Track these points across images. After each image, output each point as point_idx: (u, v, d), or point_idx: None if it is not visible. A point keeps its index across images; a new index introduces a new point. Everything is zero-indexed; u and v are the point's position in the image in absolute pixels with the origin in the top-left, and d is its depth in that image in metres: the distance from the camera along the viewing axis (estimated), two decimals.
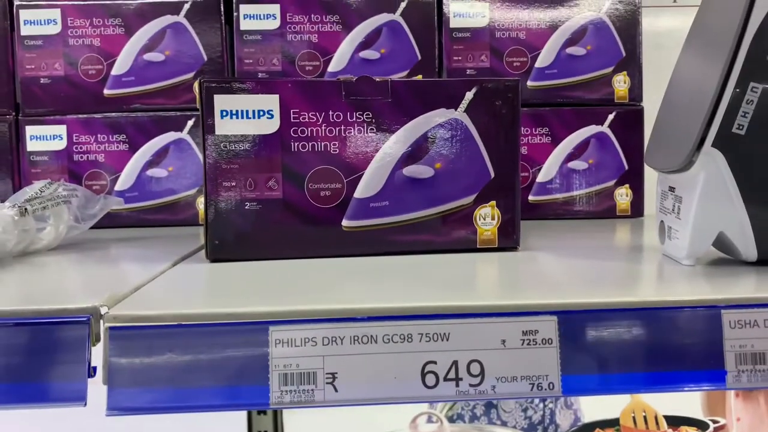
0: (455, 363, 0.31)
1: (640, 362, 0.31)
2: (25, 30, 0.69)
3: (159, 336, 0.30)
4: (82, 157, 0.70)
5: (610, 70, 0.73)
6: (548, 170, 0.72)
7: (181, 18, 0.70)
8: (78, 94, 0.70)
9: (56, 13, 0.69)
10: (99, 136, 0.70)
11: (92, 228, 0.57)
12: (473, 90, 0.47)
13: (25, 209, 0.48)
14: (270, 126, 0.45)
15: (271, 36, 0.71)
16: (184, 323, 0.30)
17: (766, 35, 0.37)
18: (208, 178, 0.44)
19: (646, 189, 0.74)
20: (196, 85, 0.42)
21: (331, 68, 0.71)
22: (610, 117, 0.72)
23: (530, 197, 0.72)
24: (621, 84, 0.73)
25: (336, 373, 0.30)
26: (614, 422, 0.87)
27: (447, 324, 0.31)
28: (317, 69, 0.71)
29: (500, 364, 0.31)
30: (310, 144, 0.45)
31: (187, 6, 0.70)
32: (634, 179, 0.72)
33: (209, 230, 0.44)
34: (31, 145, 0.69)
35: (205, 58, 0.70)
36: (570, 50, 0.72)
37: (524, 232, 0.49)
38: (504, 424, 0.84)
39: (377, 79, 0.46)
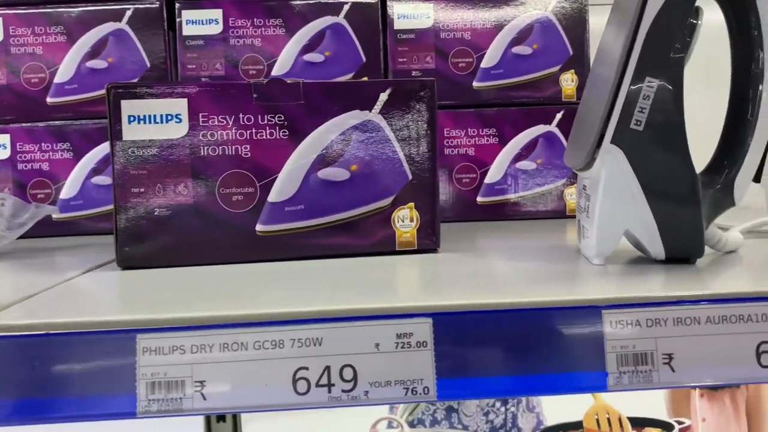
0: (327, 368, 0.30)
1: (519, 365, 0.30)
2: None
3: (22, 346, 0.29)
4: (26, 166, 0.70)
5: (557, 68, 0.72)
6: (496, 171, 0.72)
7: (123, 25, 0.70)
8: (21, 103, 0.70)
9: None
10: (43, 144, 0.70)
11: (32, 237, 0.57)
12: (387, 91, 0.46)
13: None
14: (178, 130, 0.44)
15: (213, 41, 0.70)
16: (52, 332, 0.30)
17: (661, 29, 0.37)
18: (116, 185, 0.44)
19: None
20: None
21: (275, 72, 0.71)
22: (558, 116, 0.72)
23: (478, 198, 0.71)
24: (569, 82, 0.73)
25: (204, 380, 0.30)
26: (578, 425, 0.86)
27: (320, 329, 0.30)
28: (261, 73, 0.70)
29: (374, 368, 0.30)
30: (220, 148, 0.45)
31: (129, 13, 0.70)
32: None
33: (119, 237, 0.44)
34: None
35: (148, 64, 0.70)
36: (516, 49, 0.72)
37: (460, 234, 0.48)
38: (465, 428, 0.83)
39: (289, 81, 0.45)
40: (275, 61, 0.71)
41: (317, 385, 0.30)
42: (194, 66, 0.70)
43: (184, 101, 0.44)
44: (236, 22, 0.70)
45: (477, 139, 0.72)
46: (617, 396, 0.84)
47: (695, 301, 0.31)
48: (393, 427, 0.84)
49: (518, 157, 0.72)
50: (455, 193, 0.71)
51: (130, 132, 0.44)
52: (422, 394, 0.30)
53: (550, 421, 0.89)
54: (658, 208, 0.38)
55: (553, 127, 0.72)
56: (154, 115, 0.44)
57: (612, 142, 0.37)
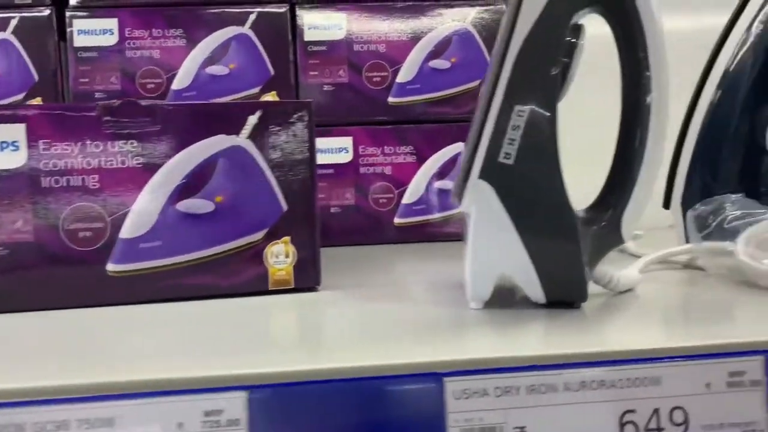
0: None
1: None
2: None
3: None
4: None
5: (477, 83, 0.69)
6: (414, 190, 0.68)
7: (8, 35, 0.65)
8: None
9: None
10: None
11: None
12: (257, 114, 0.42)
13: None
14: (16, 159, 0.39)
15: (108, 53, 0.65)
16: None
17: (533, 50, 0.33)
18: None
19: None
20: None
21: (174, 86, 0.66)
22: None
23: (396, 219, 0.67)
24: None
25: None
26: None
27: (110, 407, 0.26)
28: (160, 87, 0.66)
29: None
30: (64, 179, 0.40)
31: (14, 22, 0.64)
32: None
33: None
34: None
35: (36, 77, 0.65)
36: (433, 63, 0.68)
37: (366, 261, 0.44)
38: None
39: (143, 103, 0.41)
40: (175, 74, 0.66)
41: None
42: (87, 80, 0.65)
43: (22, 126, 0.39)
44: (133, 32, 0.65)
45: (394, 157, 0.68)
46: None
47: (552, 366, 0.27)
48: None
49: (438, 176, 0.68)
50: (371, 213, 0.67)
51: None
52: None
53: None
54: (534, 249, 0.34)
55: None
56: None
57: (480, 177, 0.34)
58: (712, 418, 0.28)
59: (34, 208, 0.40)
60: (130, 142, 0.40)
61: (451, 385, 0.27)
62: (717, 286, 0.39)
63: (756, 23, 0.43)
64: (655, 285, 0.41)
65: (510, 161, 0.33)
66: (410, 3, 0.68)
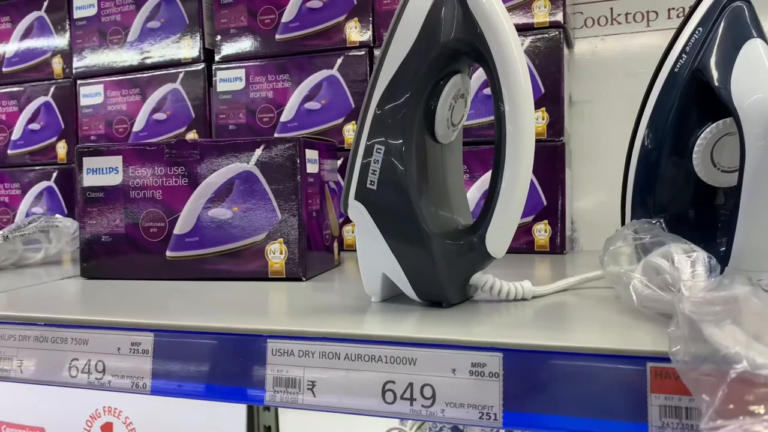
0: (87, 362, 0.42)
1: (208, 379, 0.39)
2: None
3: None
4: None
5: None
6: None
7: (177, 85, 0.89)
8: None
9: None
10: None
11: None
12: (261, 147, 0.56)
13: (6, 236, 0.70)
14: (116, 179, 0.60)
15: (238, 94, 0.86)
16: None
17: (389, 98, 0.42)
18: (78, 217, 0.61)
19: None
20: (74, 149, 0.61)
21: (282, 119, 0.84)
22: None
23: None
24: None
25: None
26: None
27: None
28: (272, 120, 0.84)
29: None
30: (142, 192, 0.59)
31: (181, 75, 0.89)
32: None
33: (80, 255, 0.61)
34: None
35: (193, 115, 0.88)
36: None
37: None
38: None
39: (188, 140, 0.58)
40: (283, 110, 0.84)
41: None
42: (224, 116, 0.87)
43: (119, 158, 0.60)
44: (255, 78, 0.85)
45: None
46: None
47: (339, 339, 0.37)
48: None
49: None
50: None
51: (88, 180, 0.60)
52: None
53: None
54: (402, 259, 0.43)
55: None
56: (101, 168, 0.60)
57: (355, 198, 0.43)
58: (454, 398, 0.34)
59: (125, 211, 0.60)
60: (180, 167, 0.58)
61: (272, 344, 0.38)
62: (590, 307, 0.43)
63: (679, 53, 0.44)
64: (556, 298, 0.45)
65: (374, 187, 0.42)
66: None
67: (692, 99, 0.44)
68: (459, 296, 0.44)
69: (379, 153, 0.42)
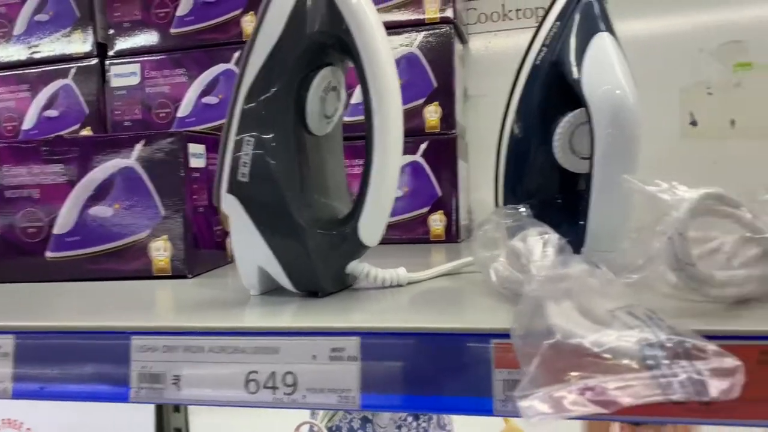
0: None
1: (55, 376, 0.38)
2: None
3: None
4: None
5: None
6: None
7: (69, 80, 0.86)
8: None
9: None
10: None
11: None
12: (141, 142, 0.55)
13: None
14: None
15: (133, 90, 0.84)
16: None
17: (258, 91, 0.42)
18: None
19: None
20: None
21: (179, 114, 0.82)
22: None
23: None
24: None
25: None
26: None
27: None
28: (168, 116, 0.83)
29: None
30: (18, 191, 0.57)
31: (73, 70, 0.86)
32: None
33: None
34: None
35: (87, 111, 0.85)
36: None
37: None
38: None
39: (66, 137, 0.56)
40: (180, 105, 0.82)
41: None
42: (120, 112, 0.84)
43: None
44: (150, 73, 0.83)
45: None
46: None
47: (203, 332, 0.37)
48: (314, 431, 0.91)
49: None
50: None
51: None
52: None
53: None
54: (277, 250, 0.43)
55: None
56: None
57: (228, 191, 0.43)
58: (315, 383, 0.35)
59: (1, 212, 0.57)
60: (58, 165, 0.56)
61: (136, 340, 0.38)
62: (459, 290, 0.44)
63: (540, 47, 0.46)
64: (430, 284, 0.47)
65: (246, 179, 0.42)
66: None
67: (553, 90, 0.46)
68: (336, 285, 0.45)
69: (249, 146, 0.42)
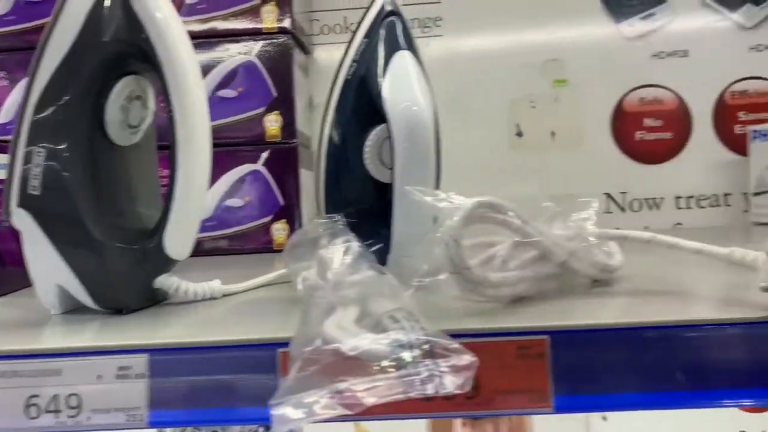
0: None
1: None
2: None
3: None
4: None
5: (262, 109, 0.75)
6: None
7: None
8: None
9: None
10: None
11: None
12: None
13: None
14: None
15: None
16: None
17: (49, 101, 0.40)
18: None
19: None
20: None
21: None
22: None
23: None
24: (273, 123, 0.76)
25: None
26: None
27: None
28: None
29: None
30: None
31: None
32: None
33: None
34: None
35: None
36: (222, 93, 0.76)
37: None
38: None
39: None
40: None
41: None
42: None
43: None
44: None
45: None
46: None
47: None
48: None
49: (228, 194, 0.75)
50: None
51: None
52: None
53: None
54: (74, 266, 0.41)
55: None
56: None
57: (18, 205, 0.41)
58: (101, 404, 0.34)
59: None
60: None
61: None
62: (270, 301, 0.45)
63: (351, 62, 0.48)
64: (245, 296, 0.47)
65: (37, 192, 0.40)
66: (202, 40, 0.76)
67: (363, 104, 0.48)
68: (144, 301, 0.44)
69: (40, 157, 0.40)
